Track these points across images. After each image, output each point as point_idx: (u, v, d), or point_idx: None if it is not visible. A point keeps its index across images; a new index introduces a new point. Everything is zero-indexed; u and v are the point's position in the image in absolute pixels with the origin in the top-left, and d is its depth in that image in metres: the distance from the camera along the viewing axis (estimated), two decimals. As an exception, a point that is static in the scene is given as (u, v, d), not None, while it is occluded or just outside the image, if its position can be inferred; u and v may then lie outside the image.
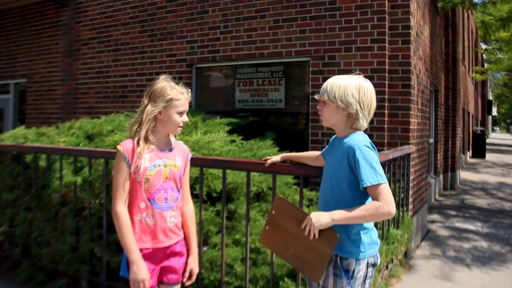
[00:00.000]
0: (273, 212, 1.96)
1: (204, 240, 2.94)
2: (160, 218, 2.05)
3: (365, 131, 1.92)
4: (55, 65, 7.45)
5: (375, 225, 2.05)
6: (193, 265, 2.20)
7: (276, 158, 2.45)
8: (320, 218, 1.73)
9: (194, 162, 2.92)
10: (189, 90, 2.13)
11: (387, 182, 1.74)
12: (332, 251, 1.74)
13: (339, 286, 1.82)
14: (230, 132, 4.08)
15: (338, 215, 1.72)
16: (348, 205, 1.77)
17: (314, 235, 1.74)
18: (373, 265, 1.87)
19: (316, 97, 1.94)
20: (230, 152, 3.54)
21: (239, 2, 5.55)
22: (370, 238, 1.86)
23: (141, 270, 1.94)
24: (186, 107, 2.08)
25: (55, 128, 4.41)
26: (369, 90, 1.86)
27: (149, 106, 2.02)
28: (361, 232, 1.83)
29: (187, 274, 2.18)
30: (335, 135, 1.99)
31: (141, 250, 2.01)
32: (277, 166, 2.47)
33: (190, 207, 2.25)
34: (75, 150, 3.45)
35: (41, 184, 3.64)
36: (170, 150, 2.13)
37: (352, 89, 1.82)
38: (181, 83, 2.13)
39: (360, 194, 1.80)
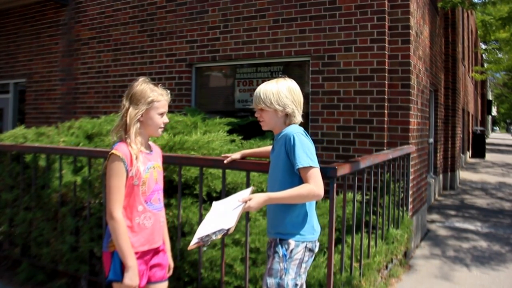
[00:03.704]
0: None
1: (203, 240, 2.94)
2: (156, 219, 2.10)
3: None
4: (54, 64, 7.45)
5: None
6: (170, 260, 2.31)
7: (236, 155, 2.58)
8: (260, 200, 1.89)
9: (194, 161, 2.93)
10: (168, 91, 2.16)
11: (319, 167, 1.94)
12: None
13: (276, 261, 1.96)
14: (229, 132, 4.09)
15: (274, 196, 1.93)
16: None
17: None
18: (311, 250, 2.03)
19: (251, 106, 2.10)
20: (229, 152, 3.54)
21: (239, 2, 5.55)
22: (310, 223, 2.03)
23: (137, 277, 1.97)
24: (166, 108, 2.12)
25: (54, 128, 4.40)
26: (297, 89, 2.10)
27: (131, 109, 2.03)
28: (302, 216, 2.00)
29: (167, 269, 2.26)
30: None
31: (137, 253, 2.02)
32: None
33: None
34: (75, 150, 3.45)
35: (40, 184, 3.64)
36: (152, 151, 2.16)
37: (285, 91, 2.04)
38: (160, 84, 2.16)
39: (298, 181, 1.96)
